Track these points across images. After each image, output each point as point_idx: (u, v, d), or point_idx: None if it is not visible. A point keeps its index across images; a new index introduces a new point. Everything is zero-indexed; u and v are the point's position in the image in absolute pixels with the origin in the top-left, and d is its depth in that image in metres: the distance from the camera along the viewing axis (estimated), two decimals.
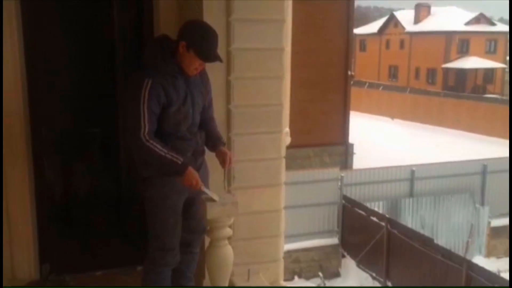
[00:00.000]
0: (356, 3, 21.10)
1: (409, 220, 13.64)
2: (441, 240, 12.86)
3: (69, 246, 4.80)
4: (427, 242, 11.28)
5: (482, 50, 43.20)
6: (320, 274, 13.03)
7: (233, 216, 3.37)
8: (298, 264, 12.92)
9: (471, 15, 45.08)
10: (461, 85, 41.14)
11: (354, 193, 13.66)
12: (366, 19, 60.67)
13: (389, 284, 12.17)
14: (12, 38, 3.87)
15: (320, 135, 16.22)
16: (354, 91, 21.16)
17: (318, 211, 13.16)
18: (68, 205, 5.80)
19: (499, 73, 43.03)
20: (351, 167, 16.64)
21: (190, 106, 3.22)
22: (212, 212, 3.20)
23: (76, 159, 6.11)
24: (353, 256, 13.24)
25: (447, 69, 42.50)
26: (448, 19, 43.96)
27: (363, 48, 49.87)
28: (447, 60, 42.38)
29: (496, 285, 9.50)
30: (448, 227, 13.97)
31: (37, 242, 4.19)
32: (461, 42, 42.80)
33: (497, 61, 42.64)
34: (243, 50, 3.78)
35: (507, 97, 31.88)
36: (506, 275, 11.05)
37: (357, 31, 41.99)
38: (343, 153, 16.78)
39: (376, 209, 13.19)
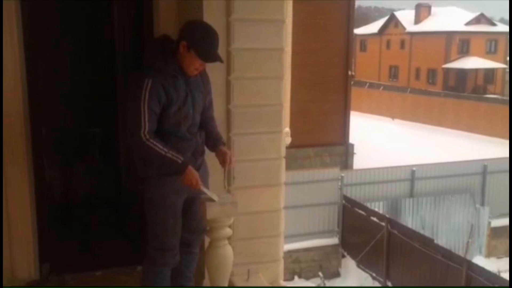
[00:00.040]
0: (357, 3, 21.12)
1: (409, 220, 13.64)
2: (441, 240, 12.85)
3: (69, 246, 4.81)
4: (427, 242, 11.28)
5: (482, 50, 43.18)
6: (320, 274, 13.03)
7: (233, 216, 3.37)
8: (298, 264, 12.92)
9: (472, 15, 45.07)
10: (462, 85, 41.13)
11: (354, 193, 13.66)
12: (366, 19, 60.69)
13: (389, 284, 12.17)
14: (12, 38, 3.87)
15: (321, 135, 16.23)
16: (354, 91, 21.18)
17: (318, 211, 13.15)
18: (68, 205, 5.81)
19: (499, 73, 43.00)
20: (351, 167, 16.65)
21: (190, 106, 3.22)
22: (211, 212, 3.20)
23: (76, 159, 6.13)
24: (353, 256, 13.24)
25: (448, 69, 42.48)
26: (448, 19, 43.94)
27: (363, 48, 49.86)
28: (448, 60, 42.37)
29: (496, 285, 9.49)
30: (448, 227, 13.96)
31: (37, 242, 4.19)
32: (461, 42, 42.78)
33: (498, 61, 42.61)
34: (243, 50, 3.78)
35: (507, 97, 31.89)
36: (506, 275, 11.05)
37: (357, 31, 42.02)
38: (343, 153, 16.79)
39: (376, 209, 13.18)
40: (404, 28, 45.65)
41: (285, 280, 11.71)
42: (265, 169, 3.96)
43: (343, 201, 13.37)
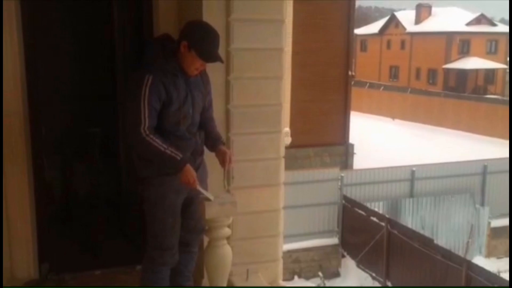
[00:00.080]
0: (357, 4, 21.14)
1: (409, 220, 13.64)
2: (441, 241, 12.85)
3: (68, 246, 4.82)
4: (427, 242, 11.28)
5: (483, 50, 43.16)
6: (320, 274, 13.04)
7: (232, 215, 3.38)
8: (298, 264, 12.92)
9: (472, 15, 45.06)
10: (462, 86, 41.11)
11: (354, 193, 13.66)
12: (367, 20, 60.67)
13: (389, 284, 12.17)
14: (12, 38, 3.87)
15: (321, 135, 16.24)
16: (354, 91, 21.19)
17: (318, 211, 13.16)
18: (68, 205, 5.81)
19: (500, 73, 42.99)
20: (351, 167, 16.66)
21: (190, 106, 3.23)
22: (210, 211, 3.20)
23: (76, 159, 6.12)
24: (353, 256, 13.24)
25: (448, 70, 42.47)
26: (449, 19, 43.93)
27: (364, 48, 49.85)
28: (448, 60, 42.36)
29: (496, 286, 9.50)
30: (448, 227, 13.96)
31: (36, 242, 4.19)
32: (462, 43, 42.77)
33: (498, 61, 42.59)
34: (242, 50, 3.79)
35: (507, 98, 31.86)
36: (506, 276, 11.06)
37: (358, 31, 42.00)
38: (343, 153, 16.80)
39: (376, 209, 13.19)
40: (404, 28, 45.64)
41: (285, 280, 11.75)
42: (264, 169, 3.97)
43: (343, 201, 13.38)
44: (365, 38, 49.30)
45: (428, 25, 44.73)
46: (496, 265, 12.84)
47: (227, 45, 3.71)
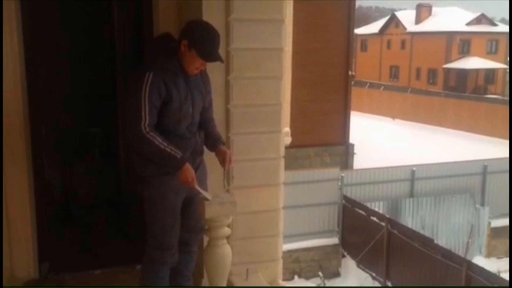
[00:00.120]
0: (357, 3, 21.14)
1: (409, 220, 13.64)
2: (442, 240, 12.85)
3: (68, 245, 4.82)
4: (427, 242, 11.28)
5: (483, 50, 43.17)
6: (320, 274, 13.03)
7: (232, 215, 3.38)
8: (298, 264, 12.92)
9: (472, 15, 45.05)
10: (462, 86, 41.12)
11: (354, 193, 13.66)
12: (367, 19, 60.69)
13: (389, 284, 12.17)
14: (12, 38, 3.88)
15: (321, 135, 16.24)
16: (355, 91, 21.20)
17: (318, 211, 13.16)
18: (67, 205, 5.82)
19: (500, 73, 42.99)
20: (351, 167, 16.65)
21: (190, 105, 3.24)
22: (210, 211, 3.21)
23: (76, 159, 6.14)
24: (353, 256, 13.24)
25: (448, 70, 42.48)
26: (449, 19, 43.93)
27: (364, 48, 49.86)
28: (448, 60, 42.36)
29: (496, 286, 9.50)
30: (448, 227, 13.96)
31: (36, 241, 4.20)
32: (462, 43, 42.77)
33: (498, 61, 42.59)
34: (242, 50, 3.79)
35: (508, 98, 31.87)
36: (506, 276, 11.05)
37: (358, 31, 42.01)
38: (343, 153, 16.79)
39: (376, 209, 13.18)
40: (404, 28, 45.65)
41: (285, 279, 11.72)
42: (264, 168, 3.97)
43: (343, 201, 13.38)
44: (365, 38, 49.30)
45: (428, 25, 44.74)
46: (496, 265, 12.83)
47: (227, 45, 3.71)
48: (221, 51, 3.39)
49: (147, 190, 3.27)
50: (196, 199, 3.31)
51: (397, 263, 11.98)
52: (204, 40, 3.14)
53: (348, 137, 17.04)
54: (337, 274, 13.27)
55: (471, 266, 10.20)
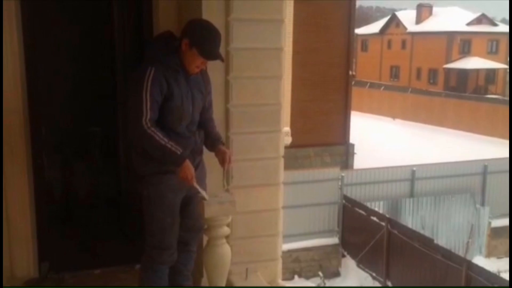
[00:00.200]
0: (358, 3, 21.16)
1: (410, 220, 13.63)
2: (442, 240, 12.85)
3: (68, 245, 4.82)
4: (427, 242, 11.28)
5: (484, 50, 43.15)
6: (320, 273, 13.03)
7: (231, 215, 3.39)
8: (298, 264, 12.92)
9: (473, 15, 45.04)
10: (463, 86, 41.10)
11: (354, 193, 13.66)
12: (367, 19, 60.69)
13: (389, 284, 12.17)
14: (12, 38, 3.89)
15: (321, 135, 16.24)
16: (355, 91, 21.20)
17: (318, 210, 13.15)
18: (68, 205, 5.82)
19: (500, 73, 42.97)
20: (351, 167, 16.65)
21: (190, 104, 3.25)
22: (209, 210, 3.21)
23: (76, 159, 6.14)
24: (353, 256, 13.24)
25: (449, 70, 42.47)
26: (450, 19, 43.91)
27: (364, 48, 49.85)
28: (449, 60, 42.35)
29: (496, 286, 9.50)
30: (448, 227, 13.96)
31: (36, 241, 4.21)
32: (462, 43, 42.76)
33: (499, 61, 42.57)
34: (241, 49, 3.80)
35: (508, 98, 31.84)
36: (506, 276, 11.05)
37: (358, 31, 42.01)
38: (343, 153, 16.79)
39: (376, 209, 13.18)
40: (405, 28, 45.64)
41: (285, 279, 11.70)
42: (263, 168, 3.98)
43: (343, 201, 13.37)
44: (366, 38, 49.29)
45: (429, 25, 44.72)
46: (496, 265, 12.83)
47: (227, 44, 3.72)
48: (221, 51, 3.39)
49: (146, 189, 3.27)
50: (195, 199, 3.32)
51: (397, 263, 11.98)
52: (205, 39, 3.16)
53: (348, 137, 17.04)
54: (337, 274, 13.27)
55: (471, 266, 10.20)
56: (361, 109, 30.02)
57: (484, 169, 14.89)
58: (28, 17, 4.02)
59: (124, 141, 4.90)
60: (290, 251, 12.28)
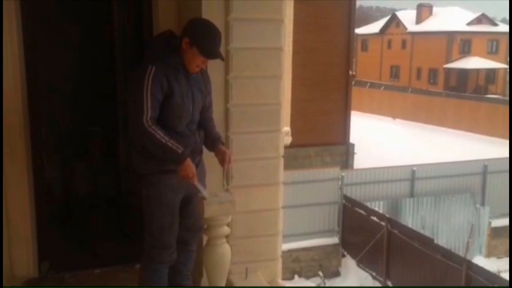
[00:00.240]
0: (358, 3, 21.16)
1: (410, 220, 13.64)
2: (442, 240, 12.86)
3: (68, 244, 4.83)
4: (427, 242, 11.28)
5: (484, 50, 43.14)
6: (320, 273, 13.04)
7: (231, 214, 3.39)
8: (298, 264, 12.93)
9: (473, 15, 45.03)
10: (463, 85, 41.10)
11: (354, 193, 13.67)
12: (368, 19, 60.68)
13: (389, 283, 12.18)
14: (12, 38, 3.89)
15: (321, 135, 16.24)
16: (355, 91, 21.21)
17: (318, 210, 13.16)
18: (67, 204, 5.83)
19: (501, 73, 42.96)
20: (351, 166, 16.65)
21: (190, 102, 3.25)
22: (209, 210, 3.22)
23: (76, 158, 6.14)
24: (353, 256, 13.25)
25: (449, 69, 42.46)
26: (450, 19, 43.91)
27: (364, 48, 49.84)
28: (449, 60, 42.34)
29: (496, 285, 9.50)
30: (448, 227, 13.96)
31: (36, 240, 4.21)
32: (463, 42, 42.75)
33: (499, 61, 42.56)
34: (241, 49, 3.80)
35: (508, 98, 31.84)
36: (506, 275, 11.06)
37: (358, 31, 42.00)
38: (344, 152, 16.79)
39: (376, 209, 13.19)
40: (405, 28, 45.63)
41: (285, 279, 11.69)
42: (263, 168, 3.98)
43: (343, 201, 13.38)
44: (366, 37, 49.29)
45: (429, 25, 44.71)
46: (496, 265, 12.84)
47: (226, 44, 3.72)
48: (221, 50, 3.40)
49: (145, 188, 3.27)
50: (195, 198, 3.33)
51: (397, 263, 11.98)
52: (205, 38, 3.17)
53: (348, 137, 17.04)
54: (337, 274, 13.28)
55: (471, 266, 10.21)
56: (361, 109, 30.03)
57: (484, 169, 14.90)
58: (28, 17, 4.02)
59: (124, 140, 4.90)
60: (290, 251, 12.29)
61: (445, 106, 30.24)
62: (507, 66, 42.07)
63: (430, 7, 47.43)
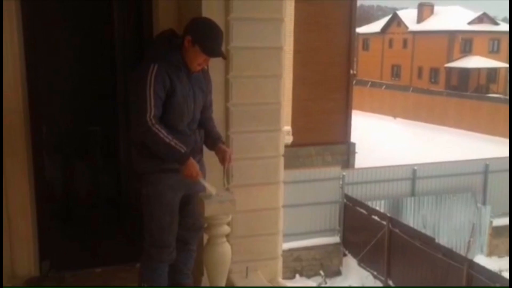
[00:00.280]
0: (359, 2, 21.12)
1: (411, 219, 13.64)
2: (443, 240, 12.86)
3: (69, 244, 4.83)
4: (429, 241, 11.28)
5: (485, 49, 43.11)
6: (321, 272, 13.05)
7: (231, 213, 3.39)
8: (299, 263, 12.94)
9: (474, 14, 44.99)
10: (464, 85, 41.07)
11: (355, 192, 13.66)
12: (369, 18, 60.69)
13: (390, 283, 12.17)
14: (12, 38, 3.89)
15: (322, 134, 16.24)
16: (356, 90, 21.21)
17: (319, 209, 13.16)
18: (68, 203, 5.83)
19: (502, 72, 42.89)
20: (353, 166, 16.65)
21: (191, 101, 3.26)
22: (209, 209, 3.22)
23: (76, 158, 6.14)
24: (355, 255, 13.25)
25: (450, 69, 42.44)
26: (451, 18, 43.88)
27: (366, 47, 49.82)
28: (450, 59, 42.31)
29: (497, 285, 9.49)
30: (449, 226, 13.96)
31: (37, 240, 4.22)
32: (464, 42, 42.71)
33: (500, 60, 42.48)
34: (241, 48, 3.80)
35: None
36: (507, 275, 11.05)
37: (360, 30, 41.99)
38: (345, 152, 16.78)
39: (377, 208, 13.18)
40: (406, 27, 45.60)
41: (286, 278, 11.70)
42: (263, 167, 3.98)
43: (345, 200, 13.38)
44: (367, 37, 49.27)
45: (430, 24, 44.68)
46: (497, 264, 12.84)
47: (227, 43, 3.72)
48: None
49: (145, 188, 3.28)
50: (195, 198, 3.33)
51: (398, 262, 11.98)
52: (207, 36, 3.18)
53: (349, 136, 17.04)
54: (338, 273, 13.28)
55: (473, 265, 10.21)
56: (362, 108, 30.03)
57: (485, 168, 14.89)
58: (28, 17, 4.02)
59: (125, 140, 4.90)
60: (291, 250, 12.30)
61: (446, 105, 30.22)
62: (508, 65, 42.00)
63: (431, 6, 47.39)
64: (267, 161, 4.00)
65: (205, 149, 3.47)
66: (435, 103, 30.78)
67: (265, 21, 3.84)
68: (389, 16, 50.36)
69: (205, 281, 3.75)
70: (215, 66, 3.55)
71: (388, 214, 12.62)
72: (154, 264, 3.36)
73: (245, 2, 3.78)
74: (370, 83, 36.56)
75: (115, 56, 5.32)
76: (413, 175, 14.32)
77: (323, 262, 13.18)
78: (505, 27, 44.25)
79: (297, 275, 12.92)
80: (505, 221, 14.34)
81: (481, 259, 12.87)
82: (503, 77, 42.76)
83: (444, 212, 13.98)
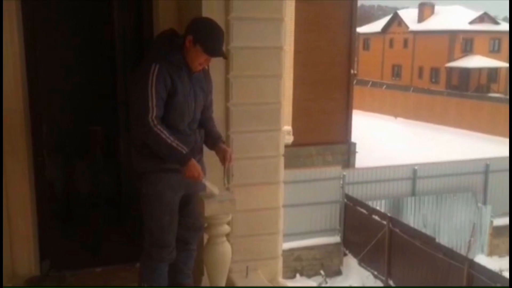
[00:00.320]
0: (360, 2, 21.14)
1: (411, 219, 13.64)
2: (443, 239, 12.86)
3: (69, 243, 4.84)
4: (429, 241, 11.28)
5: (486, 49, 43.07)
6: (322, 272, 13.05)
7: (231, 213, 3.39)
8: (300, 262, 12.94)
9: (475, 14, 44.96)
10: (465, 84, 41.05)
11: (356, 192, 13.66)
12: (369, 18, 60.65)
13: (391, 282, 12.18)
14: (12, 38, 3.90)
15: (323, 134, 16.24)
16: (357, 90, 21.22)
17: (320, 209, 13.16)
18: (68, 203, 5.83)
19: (503, 72, 42.85)
20: (353, 165, 16.65)
21: (192, 101, 3.26)
22: (210, 209, 3.22)
23: (76, 158, 6.14)
24: (355, 255, 13.25)
25: (451, 68, 42.41)
26: (452, 18, 43.85)
27: (366, 47, 49.80)
28: (451, 59, 42.29)
29: (498, 285, 9.49)
30: (450, 226, 13.95)
31: (37, 239, 4.23)
32: (465, 41, 42.67)
33: (501, 60, 42.43)
34: (242, 48, 3.81)
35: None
36: (508, 274, 11.04)
37: (360, 30, 41.98)
38: (345, 151, 16.78)
39: (378, 207, 13.18)
40: (407, 27, 45.57)
41: (287, 278, 11.70)
42: (263, 167, 3.99)
43: (345, 200, 13.39)
44: (367, 36, 49.25)
45: (431, 24, 44.66)
46: (498, 264, 12.83)
47: (227, 43, 3.72)
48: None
49: (145, 187, 3.28)
50: (195, 197, 3.33)
51: (398, 262, 11.98)
52: (208, 36, 3.18)
53: (350, 136, 17.04)
54: (338, 273, 13.29)
55: (473, 265, 10.20)
56: (363, 108, 30.03)
57: (486, 167, 14.88)
58: (28, 17, 4.03)
59: (125, 140, 4.91)
60: (292, 250, 12.30)
61: (447, 105, 30.21)
62: (509, 65, 41.96)
63: (432, 6, 47.36)
64: (267, 161, 4.00)
65: (205, 148, 3.47)
66: (436, 103, 30.77)
67: (265, 21, 3.85)
68: (390, 16, 50.33)
69: (205, 281, 3.75)
70: (215, 65, 3.55)
71: (389, 214, 12.62)
72: (154, 263, 3.37)
73: (245, 2, 3.79)
74: (370, 83, 36.56)
75: (115, 56, 5.33)
76: (414, 175, 14.32)
77: (324, 262, 13.18)
78: (505, 26, 44.19)
79: (298, 275, 12.93)
80: (506, 220, 14.33)
81: (482, 259, 12.86)
82: (504, 77, 42.72)
83: (445, 211, 13.97)
